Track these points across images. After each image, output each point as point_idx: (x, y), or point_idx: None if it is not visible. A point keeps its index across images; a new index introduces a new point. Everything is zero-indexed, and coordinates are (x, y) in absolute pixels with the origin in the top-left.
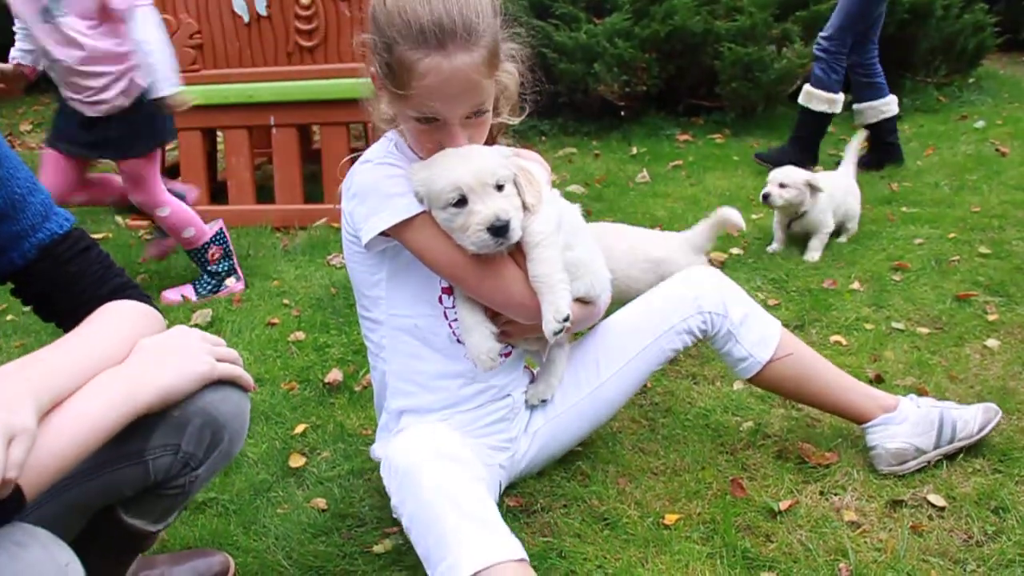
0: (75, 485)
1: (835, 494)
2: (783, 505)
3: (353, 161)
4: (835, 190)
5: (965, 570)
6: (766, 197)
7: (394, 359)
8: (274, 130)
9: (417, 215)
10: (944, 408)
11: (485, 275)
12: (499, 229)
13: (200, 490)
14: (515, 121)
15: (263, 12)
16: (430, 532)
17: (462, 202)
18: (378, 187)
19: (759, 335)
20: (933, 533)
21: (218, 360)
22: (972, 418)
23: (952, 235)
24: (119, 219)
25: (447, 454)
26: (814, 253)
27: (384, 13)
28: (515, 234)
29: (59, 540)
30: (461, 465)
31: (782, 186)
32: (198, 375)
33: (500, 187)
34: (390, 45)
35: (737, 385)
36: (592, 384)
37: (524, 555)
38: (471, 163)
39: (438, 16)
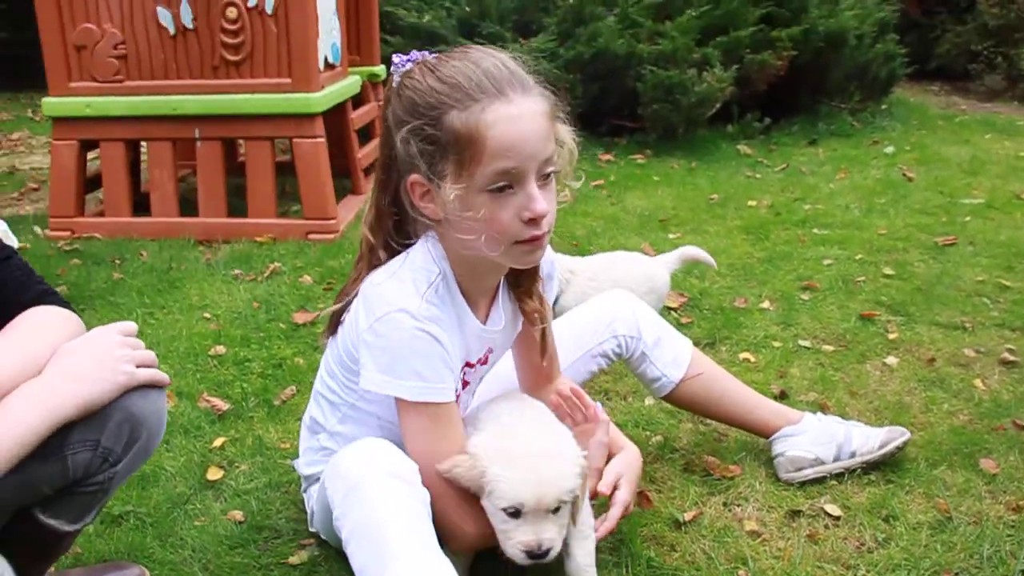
0: None
1: (738, 505)
2: (687, 516)
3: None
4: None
5: (856, 575)
6: None
7: (346, 425)
8: (199, 143)
9: (424, 403)
10: (849, 425)
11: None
12: (538, 556)
13: (118, 487)
14: (577, 186)
15: (189, 25)
16: (370, 546)
17: (516, 514)
18: (407, 358)
19: (671, 356)
20: (828, 541)
21: (137, 365)
22: (874, 435)
23: (859, 256)
24: (37, 229)
25: (395, 473)
26: None
27: (422, 90)
28: (552, 556)
29: None
30: (408, 486)
31: None
32: (118, 385)
33: (557, 509)
34: (438, 119)
35: (648, 401)
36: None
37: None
38: (541, 479)
39: (487, 68)
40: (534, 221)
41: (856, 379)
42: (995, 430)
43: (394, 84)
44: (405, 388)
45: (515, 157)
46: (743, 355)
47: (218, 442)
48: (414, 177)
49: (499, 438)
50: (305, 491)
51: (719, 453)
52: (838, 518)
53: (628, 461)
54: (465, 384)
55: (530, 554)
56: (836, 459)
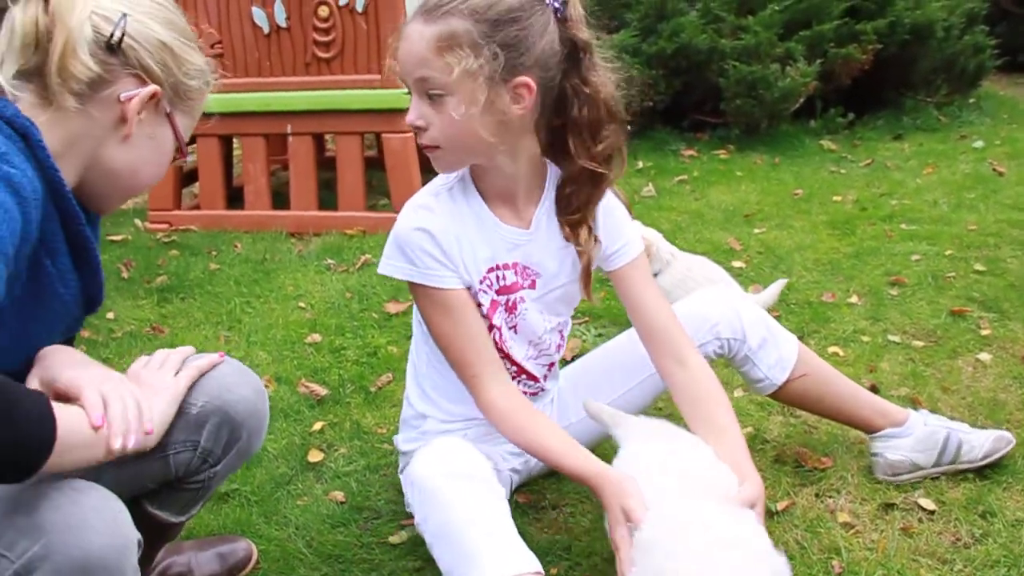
0: (105, 473)
1: (830, 496)
2: (780, 506)
3: None
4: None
5: (952, 569)
6: None
7: (425, 363)
8: (290, 138)
9: (423, 286)
10: (953, 429)
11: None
12: None
13: (220, 484)
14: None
15: (283, 24)
16: (452, 548)
17: None
18: (401, 244)
19: (776, 358)
20: (923, 535)
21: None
22: (979, 445)
23: (949, 252)
24: (137, 222)
25: (466, 473)
26: None
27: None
28: None
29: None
30: (479, 483)
31: None
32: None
33: None
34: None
35: (738, 392)
36: (606, 399)
37: (540, 568)
38: None
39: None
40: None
41: (948, 375)
42: None
43: None
44: (395, 268)
45: (401, 72)
46: (832, 349)
47: (317, 426)
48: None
49: (671, 521)
50: (402, 471)
51: (810, 445)
52: (933, 512)
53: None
54: (510, 308)
55: None
56: (936, 465)
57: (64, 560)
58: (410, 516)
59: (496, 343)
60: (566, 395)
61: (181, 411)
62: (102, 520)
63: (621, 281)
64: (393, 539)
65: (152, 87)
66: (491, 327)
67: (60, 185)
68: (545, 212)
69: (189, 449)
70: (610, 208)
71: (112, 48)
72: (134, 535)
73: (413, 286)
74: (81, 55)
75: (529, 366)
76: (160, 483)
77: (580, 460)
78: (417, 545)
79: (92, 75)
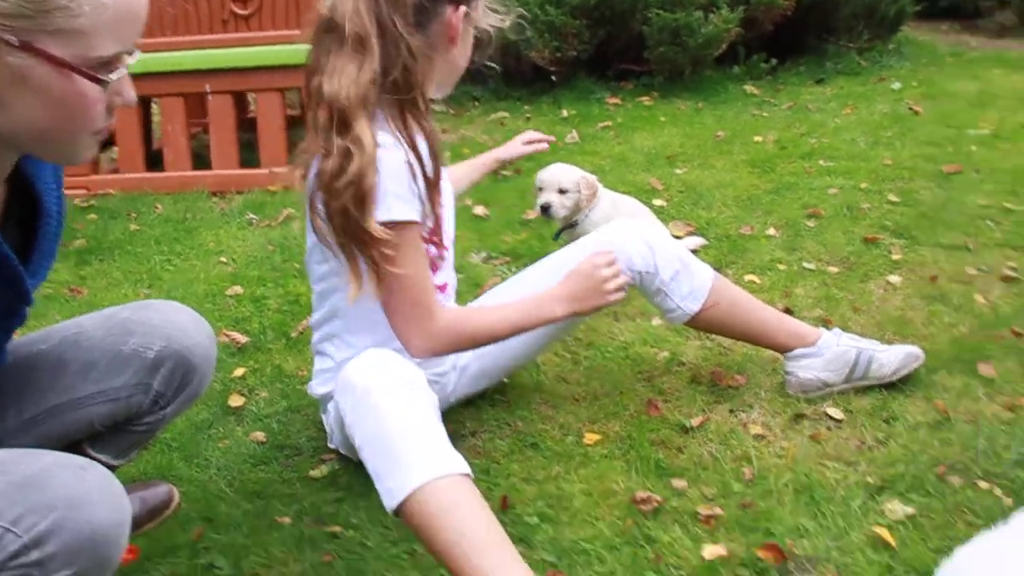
0: (53, 418)
1: (743, 412)
2: (694, 422)
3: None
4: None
5: (857, 471)
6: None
7: (343, 315)
8: (209, 97)
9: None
10: (863, 349)
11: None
12: None
13: (164, 429)
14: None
15: None
16: (381, 451)
17: None
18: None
19: (689, 289)
20: (831, 441)
21: None
22: (889, 362)
23: (864, 185)
24: None
25: (398, 378)
26: None
27: None
28: None
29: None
30: (410, 389)
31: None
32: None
33: None
34: None
35: (656, 320)
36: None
37: (469, 470)
38: None
39: None
40: None
41: (859, 297)
42: (994, 338)
43: None
44: (400, 210)
45: None
46: (748, 277)
47: (239, 372)
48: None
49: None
50: (324, 412)
51: (725, 365)
52: (840, 421)
53: None
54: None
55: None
56: (847, 382)
57: (72, 535)
58: (332, 451)
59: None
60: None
61: (136, 354)
62: (105, 496)
63: None
64: (314, 473)
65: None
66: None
67: None
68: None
69: (141, 392)
70: None
71: None
72: (130, 509)
73: (392, 227)
74: None
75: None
76: (108, 425)
77: (543, 302)
78: (338, 477)
79: None
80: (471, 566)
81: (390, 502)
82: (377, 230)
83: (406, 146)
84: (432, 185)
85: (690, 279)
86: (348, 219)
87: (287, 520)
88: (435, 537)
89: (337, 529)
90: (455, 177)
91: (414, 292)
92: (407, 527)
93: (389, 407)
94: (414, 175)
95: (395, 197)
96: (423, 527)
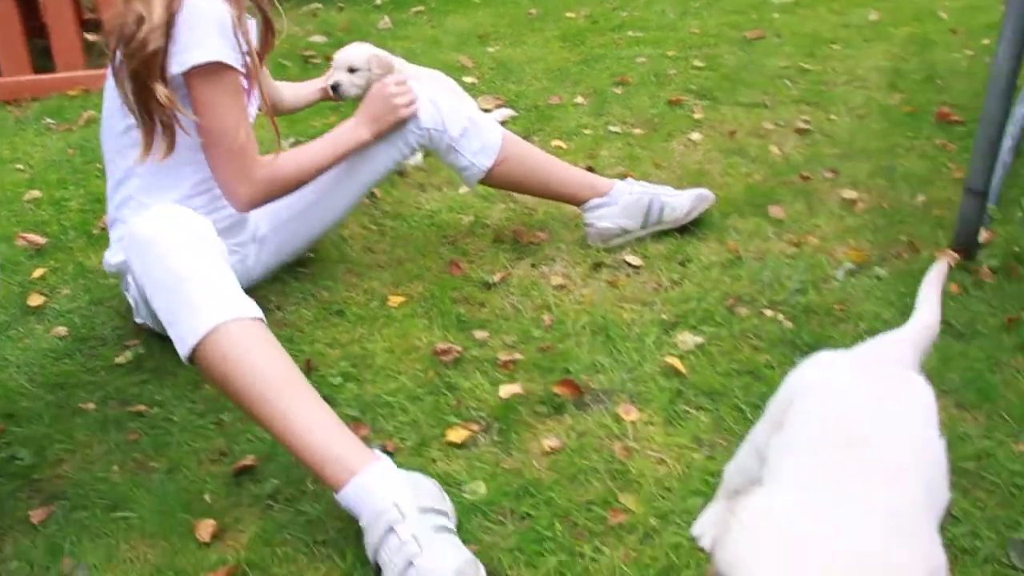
0: None
1: (545, 265)
2: (496, 278)
3: None
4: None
5: (652, 309)
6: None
7: (143, 176)
8: None
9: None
10: (656, 194)
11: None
12: None
13: None
14: None
15: None
16: (172, 297)
17: None
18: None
19: (480, 145)
20: (628, 286)
21: None
22: (681, 205)
23: (672, 53)
24: None
25: (186, 228)
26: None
27: None
28: None
29: None
30: (199, 238)
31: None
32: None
33: None
34: None
35: (463, 189)
36: (318, 192)
37: (261, 314)
38: None
39: None
40: None
41: (661, 154)
42: (785, 184)
43: None
44: (212, 52)
45: None
46: (555, 143)
47: (38, 273)
48: None
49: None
50: (125, 288)
51: (528, 224)
52: (639, 267)
53: None
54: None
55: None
56: (644, 227)
57: None
58: (136, 337)
59: None
60: None
61: None
62: None
63: None
64: (119, 360)
65: None
66: None
67: None
68: None
69: None
70: None
71: None
72: None
73: (213, 73)
74: None
75: None
76: None
77: (347, 131)
78: (143, 361)
79: None
80: (271, 407)
81: (183, 348)
82: (163, 94)
83: (231, 5)
84: (258, 55)
85: (480, 135)
86: (139, 81)
87: (91, 406)
88: (231, 381)
89: (142, 408)
90: (284, 96)
91: (234, 141)
92: (203, 374)
93: (178, 254)
94: (235, 30)
95: (211, 40)
96: (218, 371)
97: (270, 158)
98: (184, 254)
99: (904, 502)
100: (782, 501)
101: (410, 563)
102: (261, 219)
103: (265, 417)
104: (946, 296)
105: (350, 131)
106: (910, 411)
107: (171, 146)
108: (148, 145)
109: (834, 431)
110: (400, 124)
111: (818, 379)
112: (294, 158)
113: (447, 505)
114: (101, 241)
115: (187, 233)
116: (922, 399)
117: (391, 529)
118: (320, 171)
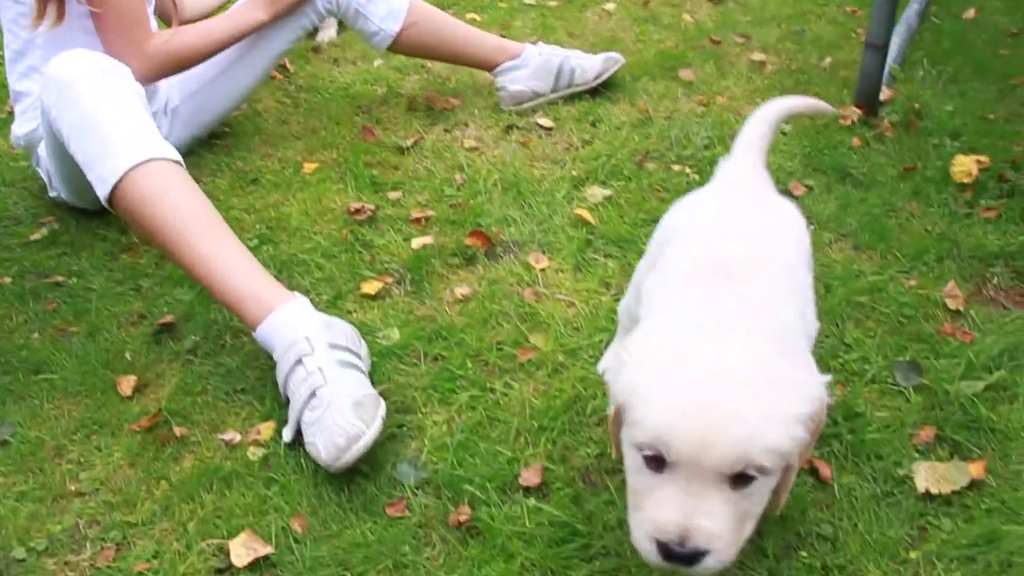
0: None
1: (458, 130)
2: (409, 142)
3: None
4: None
5: (563, 168)
6: None
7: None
8: None
9: None
10: (566, 57)
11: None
12: (677, 556)
13: None
14: None
15: None
16: (89, 138)
17: (657, 463)
18: None
19: (387, 10)
20: (540, 146)
21: None
22: (591, 67)
23: None
24: None
25: (102, 69)
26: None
27: None
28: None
29: None
30: (116, 78)
31: None
32: None
33: (742, 478)
34: None
35: (378, 62)
36: (226, 62)
37: (179, 157)
38: (714, 413)
39: None
40: None
41: (575, 24)
42: (695, 48)
43: None
44: None
45: None
46: (470, 15)
47: None
48: None
49: (670, 334)
50: (36, 164)
51: (441, 91)
52: (550, 129)
53: None
54: None
55: (663, 548)
56: (554, 90)
57: None
58: (51, 214)
59: None
60: None
61: None
62: None
63: None
64: (34, 236)
65: None
66: None
67: None
68: None
69: None
70: None
71: None
72: None
73: None
74: None
75: None
76: None
77: (243, 12)
78: (59, 236)
79: None
80: (192, 248)
81: (103, 189)
82: None
83: None
84: None
85: (387, 1)
86: None
87: (7, 280)
88: (148, 220)
89: (60, 279)
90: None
91: (128, 15)
92: (121, 216)
93: (94, 95)
94: None
95: None
96: (136, 212)
97: (166, 34)
98: (102, 96)
99: (779, 326)
100: (662, 330)
101: (313, 393)
102: (172, 91)
103: (186, 257)
104: (848, 149)
105: (247, 14)
106: (778, 239)
107: (61, 15)
108: (41, 12)
109: (704, 263)
110: (300, 3)
111: (685, 217)
112: (189, 38)
113: (361, 348)
114: (8, 123)
115: (103, 73)
116: (790, 227)
117: (299, 361)
118: (218, 49)
